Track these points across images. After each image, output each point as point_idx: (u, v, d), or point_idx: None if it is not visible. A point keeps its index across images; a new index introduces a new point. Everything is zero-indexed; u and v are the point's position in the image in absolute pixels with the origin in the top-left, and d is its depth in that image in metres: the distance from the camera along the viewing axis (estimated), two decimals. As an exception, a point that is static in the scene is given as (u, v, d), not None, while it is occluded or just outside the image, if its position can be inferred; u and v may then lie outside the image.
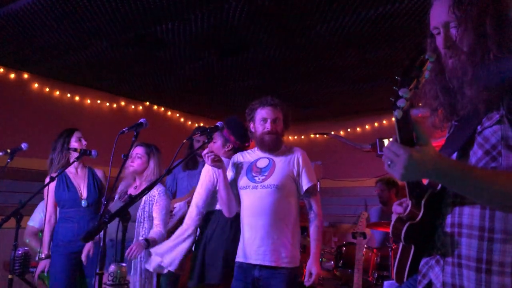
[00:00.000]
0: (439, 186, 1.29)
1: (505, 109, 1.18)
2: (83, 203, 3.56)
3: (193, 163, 4.19)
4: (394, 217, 1.36)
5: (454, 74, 1.27)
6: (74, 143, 3.57)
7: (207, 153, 2.68)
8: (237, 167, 2.84)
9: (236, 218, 2.85)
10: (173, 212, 4.12)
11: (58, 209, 3.60)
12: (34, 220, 3.99)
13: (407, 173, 1.10)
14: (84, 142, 3.62)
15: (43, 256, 3.49)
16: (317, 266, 2.62)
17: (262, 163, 2.76)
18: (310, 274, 2.61)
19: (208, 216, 3.12)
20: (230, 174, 2.84)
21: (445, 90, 1.33)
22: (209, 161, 2.66)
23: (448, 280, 1.24)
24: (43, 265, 3.50)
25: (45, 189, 3.43)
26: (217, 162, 2.67)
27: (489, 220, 1.18)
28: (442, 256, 1.27)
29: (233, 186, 2.79)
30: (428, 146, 1.11)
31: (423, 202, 1.28)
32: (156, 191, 3.32)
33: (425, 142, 1.11)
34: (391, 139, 1.15)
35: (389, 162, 1.13)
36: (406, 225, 1.27)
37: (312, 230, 2.71)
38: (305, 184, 2.70)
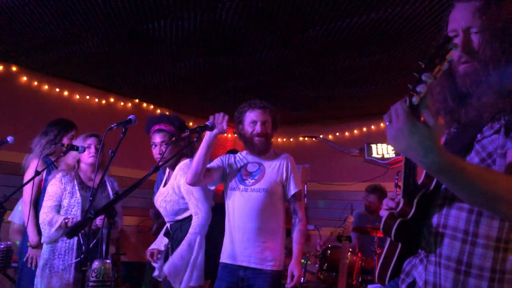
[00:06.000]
0: (432, 186, 1.29)
1: (506, 119, 1.20)
2: None
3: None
4: (383, 213, 1.37)
5: (473, 80, 1.25)
6: (65, 140, 3.52)
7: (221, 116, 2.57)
8: (228, 164, 2.86)
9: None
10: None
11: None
12: (16, 216, 3.92)
13: (397, 138, 1.05)
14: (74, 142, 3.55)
15: (33, 244, 3.29)
16: (298, 268, 2.68)
17: (252, 168, 2.81)
18: (292, 276, 2.66)
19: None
20: (218, 163, 2.85)
21: (454, 95, 1.32)
22: (225, 124, 2.57)
23: (430, 278, 1.26)
24: (34, 254, 3.30)
25: (29, 175, 3.36)
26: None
27: (474, 225, 1.20)
28: (426, 255, 1.29)
29: (219, 173, 2.80)
30: (431, 129, 1.04)
31: (415, 200, 1.29)
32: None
33: (431, 123, 1.04)
34: (396, 104, 1.08)
35: (388, 122, 1.08)
36: (398, 221, 1.28)
37: (295, 234, 2.78)
38: (292, 190, 2.77)
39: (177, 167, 3.00)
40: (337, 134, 7.00)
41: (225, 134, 7.69)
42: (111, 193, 3.33)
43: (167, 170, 3.20)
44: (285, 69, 4.81)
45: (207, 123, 2.55)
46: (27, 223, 3.32)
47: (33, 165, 3.39)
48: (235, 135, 2.95)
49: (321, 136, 7.05)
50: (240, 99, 2.90)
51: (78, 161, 3.29)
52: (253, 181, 2.74)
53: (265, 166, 2.78)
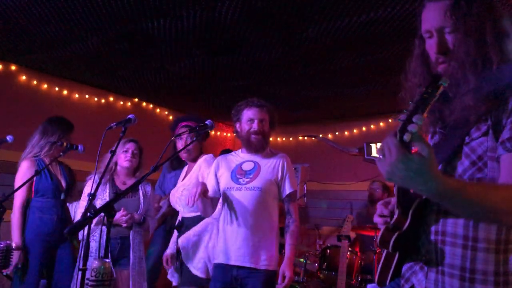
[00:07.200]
0: None
1: (493, 120, 1.19)
2: (62, 195, 3.54)
3: (178, 163, 4.08)
4: (377, 220, 1.36)
5: (453, 81, 1.23)
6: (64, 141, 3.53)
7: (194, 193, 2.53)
8: (221, 169, 2.86)
9: None
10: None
11: (33, 198, 3.51)
12: None
13: (392, 172, 1.05)
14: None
15: (14, 246, 3.24)
16: (290, 269, 2.66)
17: (247, 166, 2.80)
18: (284, 277, 2.64)
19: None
20: (213, 178, 2.85)
21: None
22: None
23: (430, 286, 1.25)
24: (17, 258, 3.30)
25: (20, 177, 3.37)
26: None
27: (472, 230, 1.19)
28: (426, 263, 1.28)
29: (219, 191, 2.84)
30: (426, 159, 1.03)
31: (411, 212, 1.28)
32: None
33: (425, 153, 1.03)
34: (387, 138, 1.07)
35: (380, 156, 1.07)
36: (395, 235, 1.27)
37: (288, 234, 2.76)
38: (286, 189, 2.76)
39: (202, 159, 3.19)
40: (337, 133, 7.00)
41: (224, 133, 7.68)
42: (141, 197, 3.39)
43: (187, 164, 3.41)
44: (284, 69, 4.80)
45: (206, 122, 2.55)
46: (15, 225, 3.34)
47: (24, 166, 3.40)
48: (234, 134, 2.97)
49: (320, 135, 7.05)
50: (240, 99, 2.91)
51: (116, 164, 3.39)
52: (247, 179, 2.72)
53: (260, 165, 2.77)
